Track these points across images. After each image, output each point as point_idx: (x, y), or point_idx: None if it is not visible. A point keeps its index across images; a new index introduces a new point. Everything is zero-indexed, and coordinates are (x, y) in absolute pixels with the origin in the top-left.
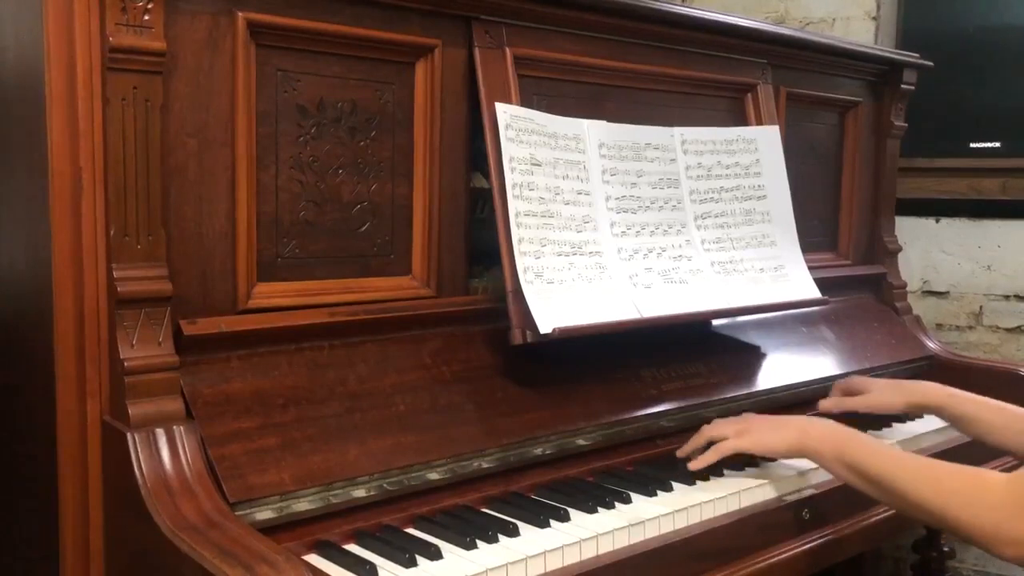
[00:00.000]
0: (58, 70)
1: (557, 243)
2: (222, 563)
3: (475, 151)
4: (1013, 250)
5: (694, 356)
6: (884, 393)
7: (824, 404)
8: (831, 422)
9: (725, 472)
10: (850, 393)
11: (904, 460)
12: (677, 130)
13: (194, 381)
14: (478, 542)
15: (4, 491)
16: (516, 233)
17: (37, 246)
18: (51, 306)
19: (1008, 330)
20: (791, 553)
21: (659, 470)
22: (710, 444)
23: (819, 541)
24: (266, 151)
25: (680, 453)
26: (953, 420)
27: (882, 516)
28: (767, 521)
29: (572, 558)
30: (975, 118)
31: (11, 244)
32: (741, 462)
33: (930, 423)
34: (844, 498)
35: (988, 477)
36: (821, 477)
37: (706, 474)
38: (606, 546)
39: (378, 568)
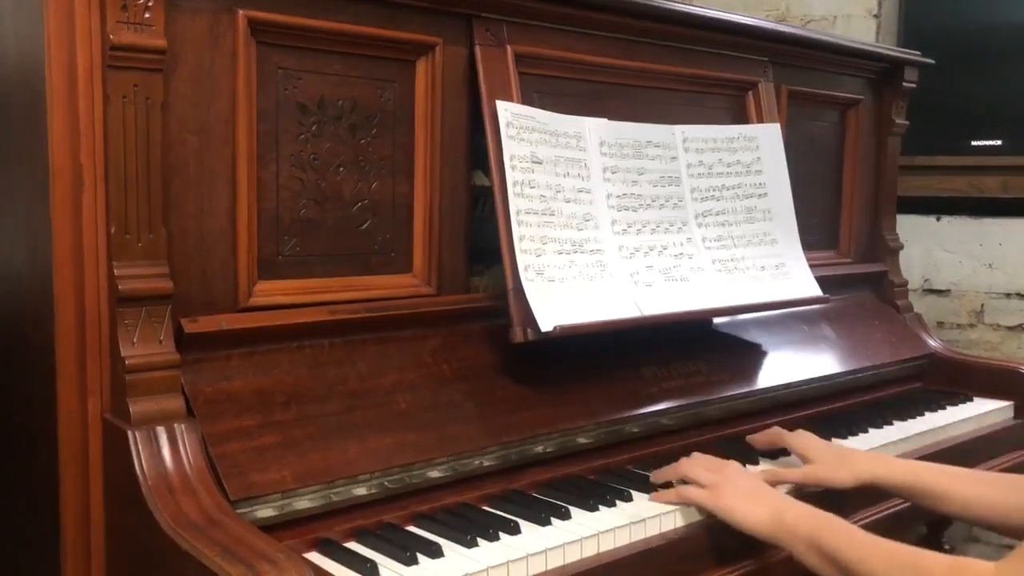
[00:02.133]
0: (59, 68)
1: (558, 241)
2: (223, 561)
3: (476, 149)
4: (1014, 248)
5: (695, 354)
6: (828, 464)
7: (767, 475)
8: (808, 506)
9: None
10: (772, 445)
11: (885, 548)
12: (678, 128)
13: (195, 379)
14: (479, 540)
15: (4, 489)
16: (517, 231)
17: (38, 244)
18: (52, 304)
19: (1009, 328)
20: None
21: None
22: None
23: None
24: (267, 149)
25: (653, 477)
26: (917, 497)
27: (879, 515)
28: None
29: (573, 556)
30: (976, 116)
31: (12, 242)
32: (741, 461)
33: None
34: (843, 497)
35: (974, 568)
36: None
37: None
38: (607, 544)
39: (379, 566)
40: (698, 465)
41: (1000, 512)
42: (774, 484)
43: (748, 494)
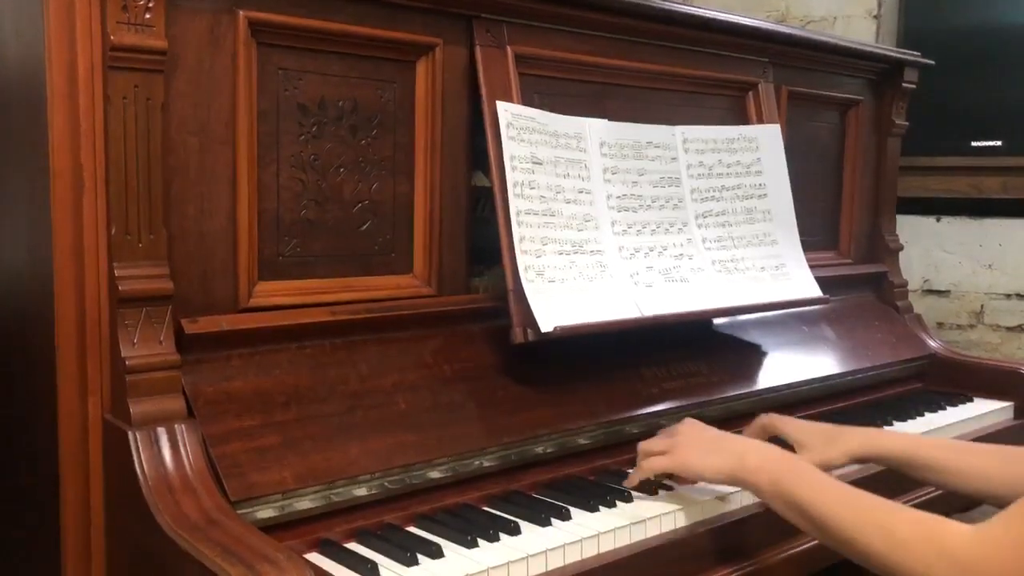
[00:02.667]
0: (59, 69)
1: (558, 242)
2: (224, 562)
3: (476, 150)
4: (1014, 249)
5: (695, 355)
6: (817, 446)
7: None
8: (774, 448)
9: None
10: (770, 434)
11: (853, 500)
12: (678, 129)
13: (195, 380)
14: (479, 541)
15: (5, 489)
16: (517, 232)
17: (38, 245)
18: (52, 305)
19: (1009, 329)
20: (797, 550)
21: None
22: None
23: None
24: (267, 150)
25: (626, 483)
26: (914, 469)
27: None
28: (773, 518)
29: (573, 557)
30: (976, 117)
31: (12, 242)
32: None
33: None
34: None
35: (949, 530)
36: None
37: None
38: (607, 545)
39: (379, 567)
40: (653, 439)
41: (992, 484)
42: None
43: (708, 445)
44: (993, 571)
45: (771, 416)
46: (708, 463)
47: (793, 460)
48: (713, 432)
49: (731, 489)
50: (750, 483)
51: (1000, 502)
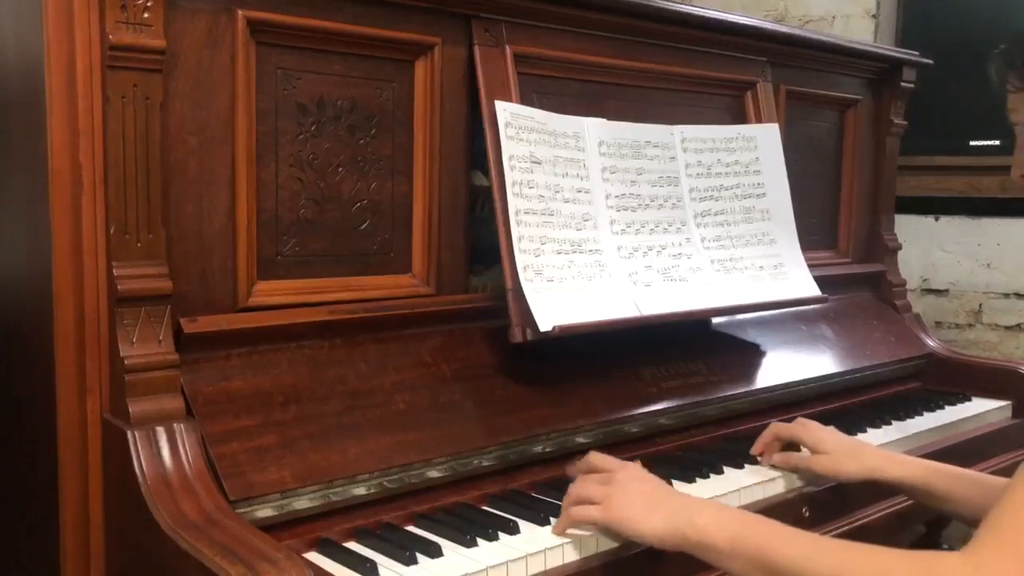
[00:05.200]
0: (58, 68)
1: (557, 241)
2: (223, 561)
3: (475, 149)
4: (1012, 248)
5: (694, 354)
6: (838, 457)
7: (776, 459)
8: (724, 506)
9: (726, 470)
10: (793, 440)
11: (835, 548)
12: (677, 128)
13: (194, 379)
14: (478, 540)
15: (4, 489)
16: (516, 231)
17: (37, 244)
18: (51, 304)
19: (1007, 328)
20: None
21: (658, 468)
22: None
23: None
24: (266, 149)
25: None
26: (929, 498)
27: (881, 514)
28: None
29: (572, 556)
30: (975, 116)
31: (11, 242)
32: (740, 459)
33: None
34: (842, 496)
35: (943, 563)
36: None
37: (706, 472)
38: (607, 543)
39: (378, 566)
40: (589, 480)
41: None
42: (788, 470)
43: (643, 499)
44: None
45: (782, 424)
46: (650, 523)
47: (750, 514)
48: (654, 483)
49: (731, 487)
50: (702, 544)
51: None
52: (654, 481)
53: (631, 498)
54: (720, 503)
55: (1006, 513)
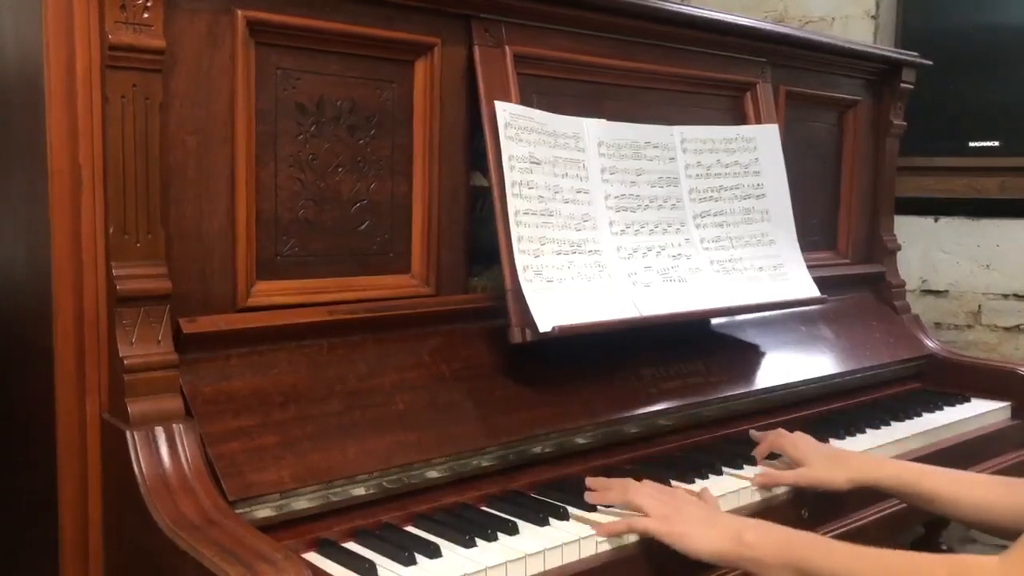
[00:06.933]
0: (57, 68)
1: (556, 241)
2: (222, 561)
3: (474, 149)
4: (1012, 249)
5: (693, 355)
6: (822, 466)
7: (757, 479)
8: (769, 523)
9: (725, 471)
10: (774, 451)
11: (873, 556)
12: (676, 129)
13: (193, 379)
14: (477, 540)
15: (3, 489)
16: (515, 231)
17: (36, 244)
18: (50, 304)
19: (1007, 329)
20: None
21: (657, 469)
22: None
23: None
24: (265, 149)
25: (592, 499)
26: (916, 499)
27: (879, 515)
28: (766, 520)
29: (571, 556)
30: (974, 117)
31: (11, 242)
32: (740, 460)
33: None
34: (840, 498)
35: (978, 564)
36: None
37: (705, 473)
38: (606, 544)
39: (377, 566)
40: (646, 495)
41: (994, 514)
42: (770, 486)
43: (701, 520)
44: None
45: (779, 434)
46: (707, 539)
47: (793, 530)
48: (705, 507)
49: (730, 489)
50: (751, 558)
51: (1003, 532)
52: (707, 506)
53: (691, 518)
54: (763, 521)
55: None
